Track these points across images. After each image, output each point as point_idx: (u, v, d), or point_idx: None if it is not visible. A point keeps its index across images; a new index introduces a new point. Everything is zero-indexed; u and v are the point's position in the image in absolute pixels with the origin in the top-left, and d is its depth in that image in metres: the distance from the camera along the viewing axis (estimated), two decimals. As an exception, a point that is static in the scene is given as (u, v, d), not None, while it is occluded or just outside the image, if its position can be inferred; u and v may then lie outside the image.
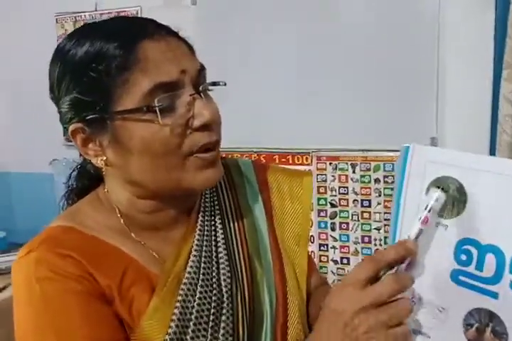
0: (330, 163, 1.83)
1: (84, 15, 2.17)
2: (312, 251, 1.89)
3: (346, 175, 1.81)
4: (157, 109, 0.59)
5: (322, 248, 1.88)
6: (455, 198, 0.52)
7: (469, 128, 1.64)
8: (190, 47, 0.67)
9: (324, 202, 1.86)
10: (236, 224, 0.75)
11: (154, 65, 0.59)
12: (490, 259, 0.49)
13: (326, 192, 1.85)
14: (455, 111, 1.66)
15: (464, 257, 0.51)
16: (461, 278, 0.51)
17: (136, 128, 0.60)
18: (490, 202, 0.50)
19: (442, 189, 0.51)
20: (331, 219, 1.86)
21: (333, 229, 1.85)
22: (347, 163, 1.80)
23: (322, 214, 1.87)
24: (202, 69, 0.65)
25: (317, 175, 1.86)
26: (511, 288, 0.48)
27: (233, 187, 0.79)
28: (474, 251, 0.50)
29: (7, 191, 2.50)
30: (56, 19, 2.22)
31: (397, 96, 1.71)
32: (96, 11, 2.15)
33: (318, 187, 1.86)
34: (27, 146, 2.33)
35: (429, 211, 0.51)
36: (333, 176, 1.83)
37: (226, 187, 0.79)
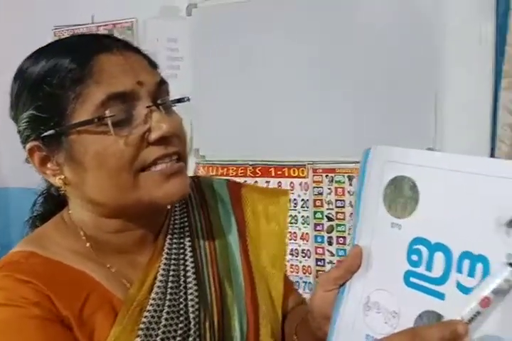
0: (326, 176, 1.79)
1: (82, 28, 2.17)
2: (309, 266, 1.84)
3: (343, 188, 1.76)
4: (109, 119, 0.57)
5: (319, 263, 1.82)
6: (409, 197, 0.50)
7: (468, 139, 1.58)
8: (152, 62, 0.66)
9: (321, 216, 1.81)
10: (207, 246, 0.71)
11: (108, 77, 0.58)
12: (438, 258, 0.47)
13: (322, 206, 1.80)
14: (454, 121, 1.61)
15: (415, 257, 0.49)
16: (412, 279, 0.49)
17: (90, 142, 0.59)
18: (439, 199, 0.48)
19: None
20: (327, 233, 1.80)
21: (330, 244, 1.80)
22: (343, 176, 1.76)
23: (319, 228, 1.81)
24: (162, 83, 0.64)
25: (313, 187, 1.81)
26: (458, 289, 0.45)
27: (205, 208, 0.76)
28: (424, 251, 0.48)
29: (5, 207, 2.50)
30: (54, 32, 2.23)
31: (394, 107, 1.67)
32: (93, 23, 2.15)
33: (315, 200, 1.81)
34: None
35: (496, 293, 0.43)
36: (329, 189, 1.78)
37: (198, 208, 0.75)
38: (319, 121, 1.77)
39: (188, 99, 0.66)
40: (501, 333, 0.43)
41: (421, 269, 0.49)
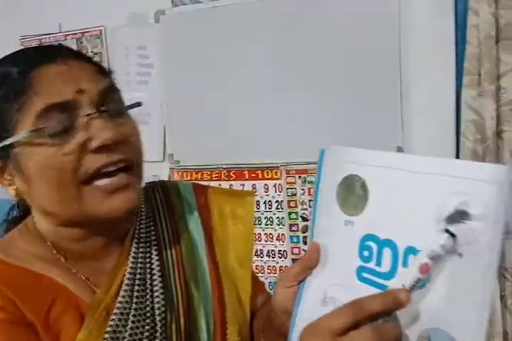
0: (299, 177, 1.81)
1: (49, 38, 2.16)
2: (286, 266, 1.85)
3: (316, 188, 1.79)
4: (45, 131, 0.57)
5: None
6: (359, 195, 0.52)
7: (434, 136, 1.63)
8: (103, 70, 0.65)
9: (295, 216, 1.83)
10: (173, 250, 0.72)
11: (48, 87, 0.58)
12: (386, 254, 0.49)
13: (296, 206, 1.82)
14: (420, 119, 1.66)
15: (366, 253, 0.51)
16: (364, 274, 0.51)
17: (32, 154, 0.58)
18: (386, 197, 0.50)
19: (452, 235, 0.44)
20: (303, 233, 1.82)
21: (305, 243, 1.82)
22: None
23: (294, 228, 1.84)
24: (109, 90, 0.63)
25: (287, 188, 1.84)
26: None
27: (171, 211, 0.76)
28: (374, 247, 0.50)
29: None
30: (21, 42, 2.21)
31: (362, 107, 1.71)
32: (60, 32, 2.14)
33: (289, 201, 1.84)
34: None
35: (432, 258, 0.44)
36: (302, 189, 1.81)
37: (164, 212, 0.76)
38: (290, 123, 1.80)
39: (139, 104, 0.66)
40: (445, 301, 0.45)
41: (371, 264, 0.50)
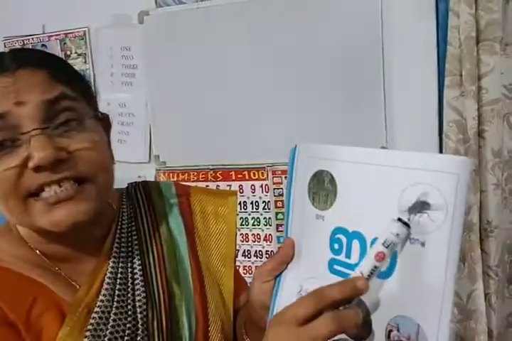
0: (285, 177, 1.82)
1: (32, 39, 2.14)
2: (273, 267, 1.86)
3: (302, 188, 1.80)
4: None
5: (283, 263, 1.85)
6: (328, 190, 0.53)
7: (418, 136, 1.65)
8: (59, 76, 0.62)
9: (282, 217, 1.84)
10: (154, 249, 0.73)
11: None
12: (355, 246, 0.51)
13: (283, 206, 1.83)
14: (403, 119, 1.67)
15: (336, 246, 0.53)
16: (336, 267, 0.53)
17: None
18: (354, 190, 0.52)
19: (405, 223, 0.47)
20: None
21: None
22: (301, 176, 1.79)
23: (281, 228, 1.85)
24: (58, 99, 0.60)
25: (274, 189, 1.85)
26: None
27: (153, 211, 0.77)
28: (344, 239, 0.52)
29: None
30: (4, 43, 2.19)
31: (346, 108, 1.72)
32: (44, 33, 2.12)
33: (276, 201, 1.85)
34: None
35: (387, 246, 0.47)
36: (288, 190, 1.82)
37: (146, 211, 0.77)
38: (276, 124, 1.81)
39: (106, 115, 0.67)
40: (410, 289, 0.47)
41: (341, 257, 0.52)
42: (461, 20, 1.48)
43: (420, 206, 0.46)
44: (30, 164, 0.57)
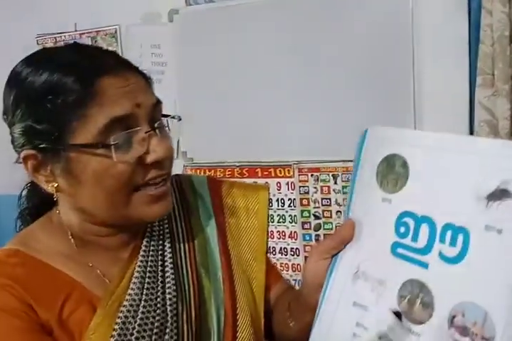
0: (311, 175, 1.82)
1: (65, 36, 2.19)
2: (298, 264, 1.87)
3: (328, 186, 1.80)
4: (112, 146, 0.61)
5: (308, 260, 1.86)
6: (400, 174, 0.54)
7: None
8: (148, 81, 0.68)
9: (308, 214, 1.84)
10: (186, 243, 0.75)
11: (110, 100, 0.61)
12: (424, 230, 0.51)
13: (309, 204, 1.84)
14: (434, 119, 1.66)
15: (402, 229, 0.53)
16: (399, 250, 0.53)
17: (89, 162, 0.61)
18: (427, 175, 0.52)
19: (398, 315, 0.51)
20: (315, 231, 1.84)
21: (318, 241, 1.84)
22: (328, 174, 1.80)
23: (306, 226, 1.85)
24: (158, 103, 0.67)
25: (299, 187, 1.85)
26: (440, 258, 0.49)
27: (185, 207, 0.79)
28: (411, 223, 0.52)
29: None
30: (37, 40, 2.24)
31: (375, 107, 1.71)
32: (76, 31, 2.17)
33: (301, 199, 1.85)
34: (16, 167, 2.33)
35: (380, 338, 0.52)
36: (315, 188, 1.82)
37: (178, 206, 0.78)
38: (303, 122, 1.81)
39: (179, 119, 0.70)
40: (481, 276, 0.46)
41: (407, 240, 0.52)
42: (494, 18, 1.46)
43: (500, 193, 0.45)
44: (149, 159, 0.63)
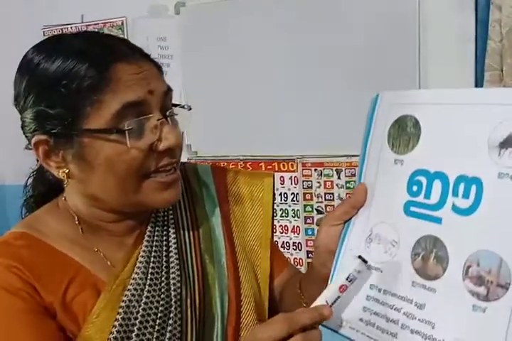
0: (315, 170, 1.82)
1: (71, 28, 2.19)
2: (300, 259, 1.88)
3: (331, 181, 1.80)
4: (126, 132, 0.61)
5: (310, 255, 1.86)
6: (411, 134, 0.54)
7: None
8: (160, 69, 0.68)
9: (311, 209, 1.85)
10: (190, 230, 0.75)
11: (124, 86, 0.61)
12: (436, 186, 0.51)
13: (312, 199, 1.84)
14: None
15: (415, 188, 0.53)
16: (412, 208, 0.53)
17: (102, 148, 0.62)
18: (439, 131, 0.52)
19: (363, 260, 0.54)
20: (317, 226, 1.84)
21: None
22: (332, 169, 1.79)
23: (309, 220, 1.85)
24: (168, 91, 0.67)
25: (303, 181, 1.85)
26: (453, 211, 0.49)
27: (190, 195, 0.79)
28: (424, 181, 0.52)
29: (2, 204, 2.51)
30: (43, 32, 2.24)
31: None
32: (82, 22, 2.17)
33: (304, 193, 1.85)
34: (23, 157, 2.34)
35: (350, 281, 0.54)
36: (318, 182, 1.82)
37: (183, 195, 0.78)
38: (308, 116, 1.81)
39: (190, 108, 0.70)
40: (494, 223, 0.46)
41: (420, 198, 0.52)
42: (503, 14, 1.45)
43: None
44: (161, 146, 0.64)
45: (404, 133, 0.55)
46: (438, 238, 0.50)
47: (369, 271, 0.56)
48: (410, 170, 0.54)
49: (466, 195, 0.48)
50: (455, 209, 0.49)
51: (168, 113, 0.65)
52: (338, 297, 0.54)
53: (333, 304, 0.54)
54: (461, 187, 0.49)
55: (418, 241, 0.52)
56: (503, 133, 0.46)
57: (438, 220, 0.51)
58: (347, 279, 0.54)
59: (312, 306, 0.54)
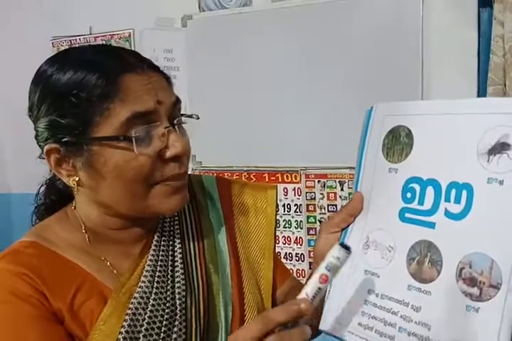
0: (318, 181, 1.83)
1: (80, 39, 2.22)
2: (303, 270, 1.88)
3: (335, 193, 1.81)
4: (133, 138, 0.62)
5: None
6: (405, 143, 0.57)
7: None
8: (169, 80, 0.70)
9: (314, 220, 1.85)
10: (195, 241, 0.76)
11: (133, 97, 0.62)
12: (429, 192, 0.53)
13: (315, 210, 1.85)
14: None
15: (409, 195, 0.55)
16: (407, 214, 0.55)
17: (111, 155, 0.63)
18: (431, 141, 0.54)
19: (346, 247, 0.52)
20: (320, 237, 1.84)
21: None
22: (335, 181, 1.80)
23: (312, 232, 1.86)
24: (177, 102, 0.69)
25: (306, 193, 1.86)
26: (446, 216, 0.52)
27: (195, 206, 0.80)
28: (417, 188, 0.55)
29: (8, 212, 2.52)
30: (52, 43, 2.28)
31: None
32: (90, 34, 2.20)
33: (308, 205, 1.86)
34: (29, 167, 2.36)
35: (329, 270, 0.51)
36: (321, 194, 1.83)
37: (189, 206, 0.80)
38: (312, 128, 1.82)
39: (198, 117, 0.72)
40: (486, 226, 0.48)
41: (414, 204, 0.55)
42: (505, 29, 1.47)
43: (500, 147, 0.48)
44: (169, 153, 0.65)
45: (398, 142, 0.57)
46: (432, 242, 0.52)
47: (364, 272, 0.56)
48: (404, 177, 0.56)
49: (457, 200, 0.51)
50: (447, 214, 0.51)
51: (175, 121, 0.66)
52: (319, 288, 0.51)
53: (314, 297, 0.51)
54: (453, 192, 0.51)
55: (413, 246, 0.54)
56: (491, 141, 0.48)
57: (432, 225, 0.53)
58: (326, 268, 0.51)
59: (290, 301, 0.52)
